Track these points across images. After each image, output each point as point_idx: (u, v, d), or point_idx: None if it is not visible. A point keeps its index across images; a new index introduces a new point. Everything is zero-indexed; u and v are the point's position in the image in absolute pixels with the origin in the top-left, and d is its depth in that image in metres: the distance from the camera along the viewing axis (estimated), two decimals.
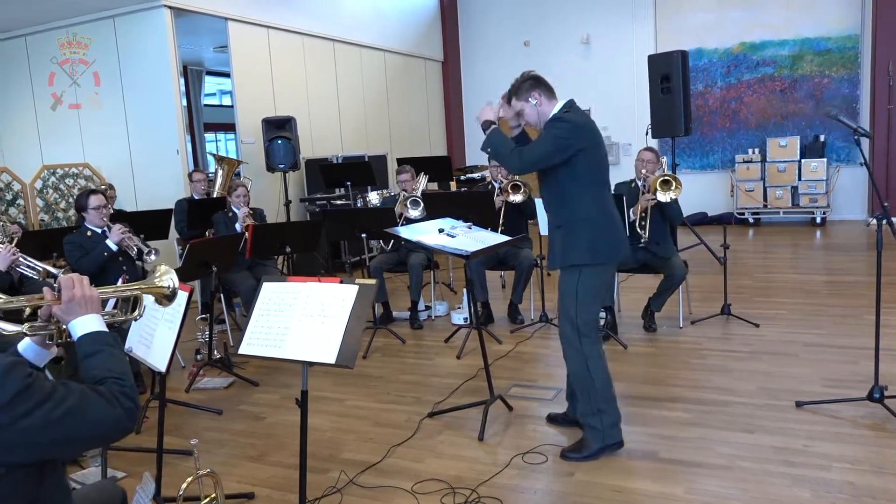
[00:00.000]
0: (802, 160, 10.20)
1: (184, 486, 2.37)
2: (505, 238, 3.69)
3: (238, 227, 5.56)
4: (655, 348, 4.85)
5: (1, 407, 1.37)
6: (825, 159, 10.17)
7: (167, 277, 1.91)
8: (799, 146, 10.26)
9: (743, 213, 10.59)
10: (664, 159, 5.60)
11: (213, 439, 3.72)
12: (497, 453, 3.36)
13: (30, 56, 7.90)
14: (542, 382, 4.33)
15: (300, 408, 2.55)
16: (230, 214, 5.75)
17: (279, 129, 7.78)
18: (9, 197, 6.77)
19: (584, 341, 3.20)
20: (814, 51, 10.48)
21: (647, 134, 8.36)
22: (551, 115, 3.18)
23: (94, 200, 4.64)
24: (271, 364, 5.00)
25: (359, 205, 7.38)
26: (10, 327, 1.72)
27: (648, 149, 5.38)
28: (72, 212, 7.20)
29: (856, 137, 3.37)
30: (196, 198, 6.55)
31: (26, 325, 1.72)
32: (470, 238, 3.58)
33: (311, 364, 2.43)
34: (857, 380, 3.94)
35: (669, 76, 7.37)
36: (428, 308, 6.15)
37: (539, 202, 5.24)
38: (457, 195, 6.29)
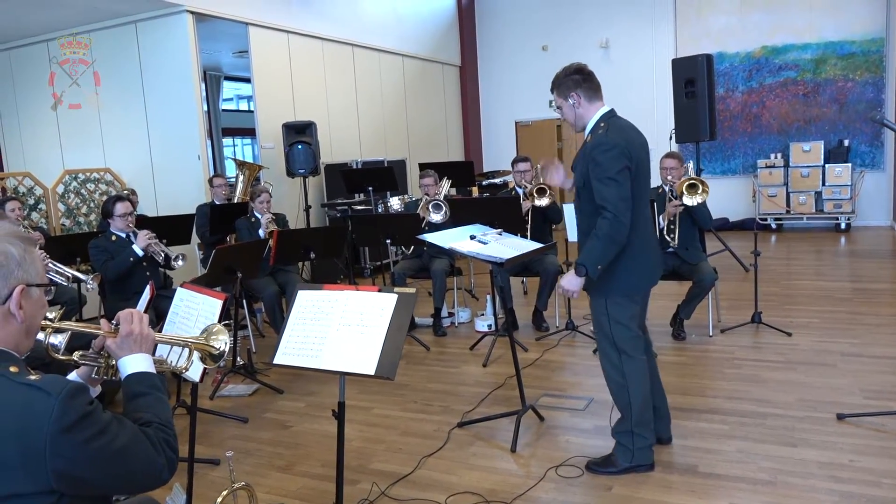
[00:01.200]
0: (826, 165, 10.05)
1: (219, 499, 2.31)
2: (537, 245, 3.62)
3: (261, 232, 5.52)
4: (686, 357, 4.75)
5: (63, 429, 1.28)
6: (849, 164, 10.02)
7: (222, 339, 1.86)
8: (823, 151, 10.12)
9: (765, 219, 10.45)
10: (690, 164, 5.49)
11: (240, 448, 3.67)
12: (531, 465, 3.29)
13: (51, 61, 7.91)
14: (572, 392, 4.25)
15: (337, 419, 2.48)
16: (253, 220, 5.71)
17: (299, 134, 7.75)
18: (31, 202, 6.77)
19: (624, 360, 3.06)
20: (837, 54, 10.33)
21: (670, 139, 8.27)
22: (590, 128, 3.02)
23: (121, 207, 4.61)
24: (294, 371, 4.94)
25: (380, 210, 7.32)
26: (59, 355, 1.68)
27: (670, 155, 5.24)
28: (93, 216, 7.20)
29: None
30: (217, 203, 6.53)
31: (78, 353, 1.68)
32: (502, 244, 3.51)
33: (348, 375, 2.37)
34: None
35: (694, 80, 7.29)
36: (451, 315, 6.08)
37: (567, 207, 5.18)
38: (483, 201, 6.22)
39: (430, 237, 3.37)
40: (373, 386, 4.51)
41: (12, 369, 1.35)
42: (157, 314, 4.03)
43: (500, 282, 4.83)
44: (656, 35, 11.25)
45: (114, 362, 1.66)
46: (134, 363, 1.62)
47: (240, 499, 2.42)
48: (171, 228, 5.65)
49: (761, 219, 10.43)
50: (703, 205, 4.94)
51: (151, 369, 1.64)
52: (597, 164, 2.87)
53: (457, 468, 3.30)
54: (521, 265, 5.60)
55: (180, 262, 4.62)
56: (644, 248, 3.04)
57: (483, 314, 5.90)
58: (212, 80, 11.52)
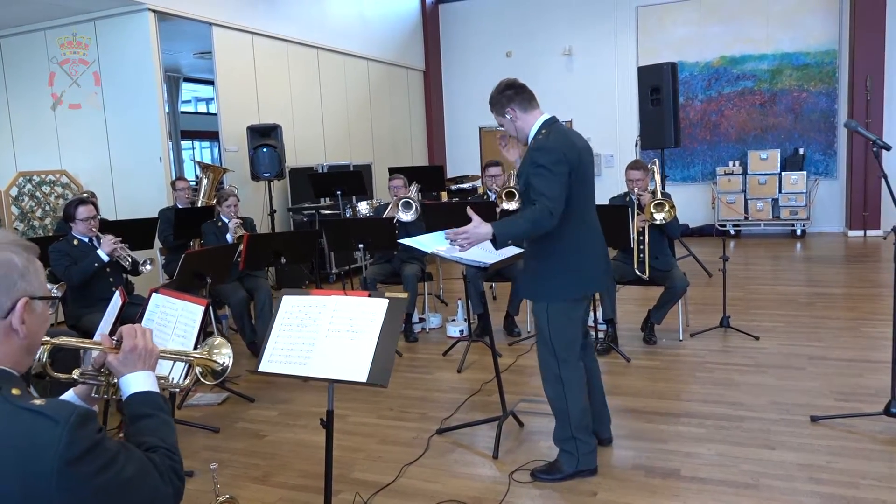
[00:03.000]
0: (783, 173, 10.33)
1: None
2: (518, 249, 3.59)
3: (229, 237, 5.38)
4: (658, 362, 4.79)
5: (71, 461, 1.16)
6: (804, 172, 10.31)
7: (225, 353, 1.77)
8: (780, 159, 10.39)
9: (724, 225, 10.68)
10: (655, 167, 5.49)
11: (213, 459, 3.53)
12: (514, 472, 3.25)
13: (3, 58, 7.62)
14: None
15: (325, 428, 2.41)
16: (220, 224, 5.57)
17: (264, 137, 7.62)
18: None
19: (562, 366, 3.06)
20: (793, 65, 10.64)
21: (636, 146, 8.38)
22: (530, 140, 3.04)
23: (84, 211, 4.44)
24: (265, 379, 4.83)
25: (348, 214, 7.23)
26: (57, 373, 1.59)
27: (635, 165, 5.18)
28: (48, 220, 6.95)
29: (874, 150, 3.33)
30: (180, 206, 6.35)
31: (77, 371, 1.58)
32: (482, 249, 3.47)
33: (337, 382, 2.30)
34: (867, 393, 3.92)
35: (659, 88, 7.41)
36: (422, 320, 6.03)
37: None
38: (457, 205, 6.20)
39: (412, 241, 3.31)
40: (347, 393, 4.42)
41: (14, 392, 1.23)
42: (122, 322, 3.87)
43: (479, 287, 4.80)
44: (619, 44, 11.41)
45: (115, 380, 1.55)
46: (137, 382, 1.51)
47: None
48: (133, 232, 5.47)
49: (720, 225, 10.65)
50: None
51: (156, 388, 1.53)
52: (536, 161, 2.91)
53: (439, 476, 3.25)
54: (493, 270, 5.58)
55: (148, 268, 4.47)
56: (586, 253, 3.05)
57: (454, 319, 5.86)
58: (171, 81, 11.26)
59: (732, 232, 10.71)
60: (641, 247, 5.03)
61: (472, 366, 4.91)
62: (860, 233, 10.06)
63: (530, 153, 2.97)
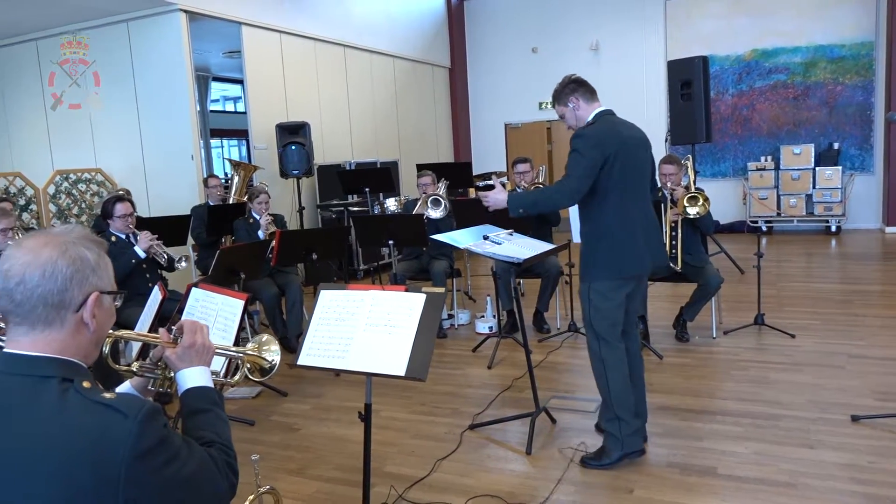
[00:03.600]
0: (817, 168, 10.14)
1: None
2: (550, 245, 3.59)
3: (261, 234, 5.43)
4: (691, 359, 4.74)
5: (140, 455, 1.19)
6: (840, 167, 10.12)
7: (274, 350, 1.78)
8: (813, 154, 10.20)
9: (756, 222, 10.51)
10: (689, 162, 5.42)
11: (249, 451, 3.54)
12: (548, 468, 3.24)
13: (40, 60, 7.77)
14: (580, 394, 4.21)
15: (363, 421, 2.42)
16: (251, 221, 5.62)
17: (293, 135, 7.67)
18: (22, 202, 6.62)
19: (602, 346, 3.18)
20: (827, 58, 10.43)
21: (666, 141, 8.30)
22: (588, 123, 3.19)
23: (121, 208, 4.51)
24: (297, 373, 4.87)
25: (376, 211, 7.26)
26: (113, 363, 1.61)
27: (668, 159, 5.14)
28: (84, 218, 7.07)
29: None
30: (212, 204, 6.42)
31: (136, 363, 1.61)
32: (516, 245, 3.47)
33: (375, 376, 2.31)
34: None
35: (690, 82, 7.32)
36: (451, 316, 6.03)
37: (572, 209, 5.15)
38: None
39: (445, 237, 3.32)
40: (378, 388, 4.43)
41: (85, 384, 1.26)
42: (161, 317, 3.93)
43: (511, 283, 4.78)
44: (646, 38, 11.28)
45: (171, 374, 1.58)
46: (194, 377, 1.53)
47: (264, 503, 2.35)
48: (166, 230, 5.53)
49: (752, 221, 10.49)
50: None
51: (211, 384, 1.56)
52: (574, 143, 3.07)
53: (473, 471, 3.25)
54: (523, 269, 5.56)
55: (183, 264, 4.53)
56: (627, 236, 3.13)
57: (482, 316, 5.86)
58: (200, 80, 11.38)
59: (764, 228, 10.53)
60: (674, 241, 4.98)
61: (502, 362, 4.90)
62: None
63: (571, 139, 3.13)
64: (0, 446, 1.19)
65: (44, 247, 1.28)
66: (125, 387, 1.62)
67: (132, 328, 4.21)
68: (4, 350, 1.29)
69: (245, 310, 2.49)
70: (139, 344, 2.32)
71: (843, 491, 2.86)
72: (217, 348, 1.65)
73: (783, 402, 3.85)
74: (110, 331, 1.50)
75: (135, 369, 1.59)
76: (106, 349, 1.57)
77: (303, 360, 2.40)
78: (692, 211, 4.88)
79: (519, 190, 5.78)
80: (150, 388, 1.61)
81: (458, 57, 12.33)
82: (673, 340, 5.15)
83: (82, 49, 7.36)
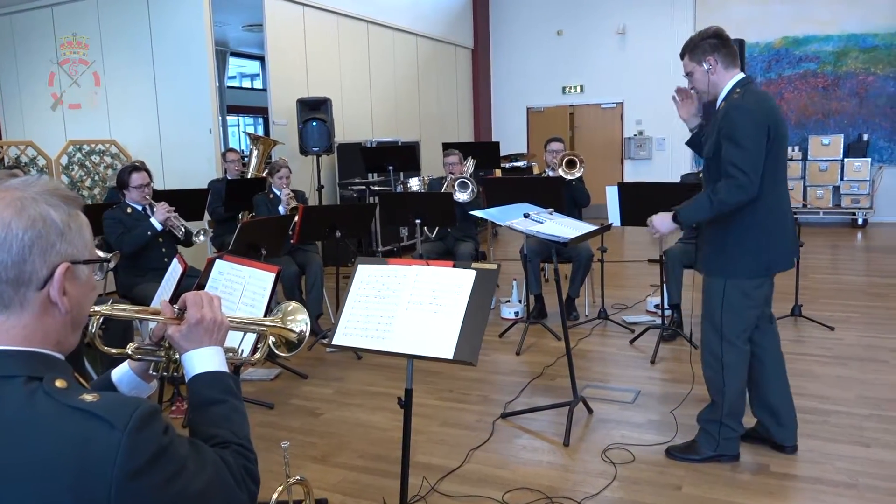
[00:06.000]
0: (845, 159, 9.87)
1: (274, 496, 2.07)
2: (593, 227, 3.39)
3: (281, 209, 5.25)
4: None
5: (133, 473, 0.93)
6: (868, 159, 9.84)
7: (301, 319, 1.52)
8: (843, 145, 9.93)
9: None
10: None
11: (270, 437, 3.42)
12: (587, 461, 3.06)
13: (56, 27, 7.59)
14: (616, 383, 4.03)
15: (403, 408, 2.25)
16: (271, 196, 5.44)
17: (314, 111, 7.47)
18: (34, 172, 6.46)
19: (725, 348, 2.84)
20: (859, 47, 10.14)
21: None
22: (723, 95, 2.78)
23: (137, 178, 4.34)
24: (317, 355, 4.71)
25: (398, 190, 7.06)
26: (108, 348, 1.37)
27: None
28: (97, 190, 6.91)
29: None
30: (230, 178, 6.25)
31: (132, 345, 1.36)
32: (558, 224, 3.28)
33: (418, 358, 2.13)
34: None
35: None
36: None
37: (610, 189, 4.95)
38: (522, 181, 6.00)
39: (485, 213, 3.13)
40: (399, 371, 4.27)
41: (58, 384, 0.98)
42: (179, 293, 3.76)
43: (536, 267, 4.60)
44: (675, 23, 10.98)
45: (177, 356, 1.32)
46: (203, 359, 1.26)
47: (294, 493, 2.18)
48: (183, 203, 5.35)
49: None
50: None
51: (225, 367, 1.28)
52: (732, 124, 2.65)
53: (507, 462, 3.08)
54: (552, 251, 5.37)
55: (202, 238, 4.36)
56: (778, 226, 2.79)
57: (508, 301, 5.67)
58: (218, 55, 11.18)
59: None
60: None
61: (531, 349, 4.72)
62: None
63: (726, 113, 2.70)
64: None
65: None
66: (122, 371, 1.37)
67: (147, 304, 4.06)
68: None
69: (276, 284, 2.30)
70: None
71: None
72: (233, 321, 1.39)
73: (831, 397, 3.66)
74: (96, 307, 1.25)
75: (130, 352, 1.34)
76: (93, 328, 1.31)
77: (338, 339, 2.21)
78: None
79: (549, 172, 5.59)
80: (151, 372, 1.37)
81: (482, 38, 12.07)
82: None
83: (82, 49, 7.24)
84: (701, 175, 4.62)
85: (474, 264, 2.15)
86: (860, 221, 9.87)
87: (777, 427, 3.01)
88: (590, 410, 3.57)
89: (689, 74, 2.88)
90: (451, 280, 2.14)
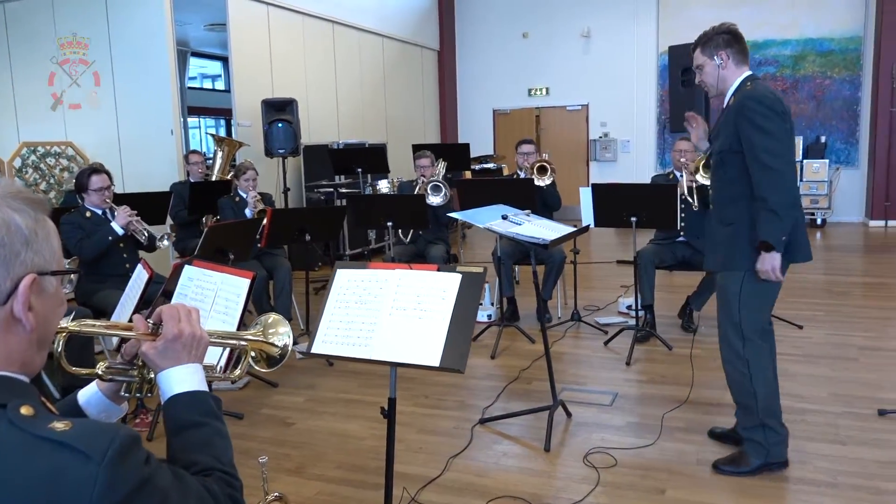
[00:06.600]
0: (804, 161, 10.08)
1: None
2: (571, 229, 3.35)
3: (248, 212, 5.12)
4: (701, 350, 4.53)
5: None
6: (826, 160, 10.07)
7: (283, 332, 1.43)
8: (802, 147, 10.13)
9: None
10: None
11: (241, 449, 3.30)
12: (569, 466, 3.02)
13: (8, 27, 7.30)
14: (592, 385, 4.00)
15: (387, 418, 2.17)
16: (237, 199, 5.30)
17: (279, 112, 7.32)
18: None
19: (747, 345, 2.78)
20: (816, 51, 10.37)
21: (664, 128, 8.12)
22: (733, 90, 2.78)
23: (97, 181, 4.17)
24: (287, 362, 4.55)
25: (367, 192, 6.96)
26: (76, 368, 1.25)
27: (686, 138, 5.09)
28: (53, 194, 6.66)
29: None
30: (193, 181, 6.08)
31: (102, 365, 1.24)
32: (536, 226, 3.24)
33: (403, 366, 2.05)
34: None
35: (691, 68, 7.12)
36: None
37: (584, 191, 4.94)
38: (494, 183, 5.95)
39: (462, 215, 3.07)
40: (374, 378, 4.19)
41: (24, 412, 0.88)
42: (145, 301, 3.61)
43: (509, 269, 4.55)
44: (639, 26, 11.11)
45: (151, 375, 1.22)
46: (182, 378, 1.16)
47: None
48: (144, 207, 5.17)
49: None
50: None
51: (204, 386, 1.18)
52: (753, 111, 2.62)
53: (488, 470, 3.02)
54: (524, 253, 5.33)
55: (165, 243, 4.21)
56: (797, 218, 2.74)
57: (481, 304, 5.61)
58: (179, 55, 10.92)
59: None
60: (683, 214, 4.80)
61: (505, 352, 4.67)
62: (881, 223, 9.85)
63: (742, 103, 2.67)
64: None
65: None
66: (90, 391, 1.26)
67: (109, 315, 3.88)
68: None
69: (251, 290, 2.20)
70: None
71: (889, 491, 2.68)
72: (212, 335, 1.28)
73: (805, 395, 3.68)
74: (62, 323, 1.13)
75: (101, 372, 1.23)
76: (59, 347, 1.19)
77: (317, 347, 2.12)
78: (705, 181, 4.69)
79: (521, 174, 5.56)
80: (122, 393, 1.26)
81: (448, 39, 12.04)
82: (679, 331, 4.97)
83: (82, 49, 7.00)
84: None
85: (459, 267, 2.08)
86: (819, 221, 10.08)
87: None
88: (568, 414, 3.53)
89: (699, 67, 2.87)
90: (436, 284, 2.07)
